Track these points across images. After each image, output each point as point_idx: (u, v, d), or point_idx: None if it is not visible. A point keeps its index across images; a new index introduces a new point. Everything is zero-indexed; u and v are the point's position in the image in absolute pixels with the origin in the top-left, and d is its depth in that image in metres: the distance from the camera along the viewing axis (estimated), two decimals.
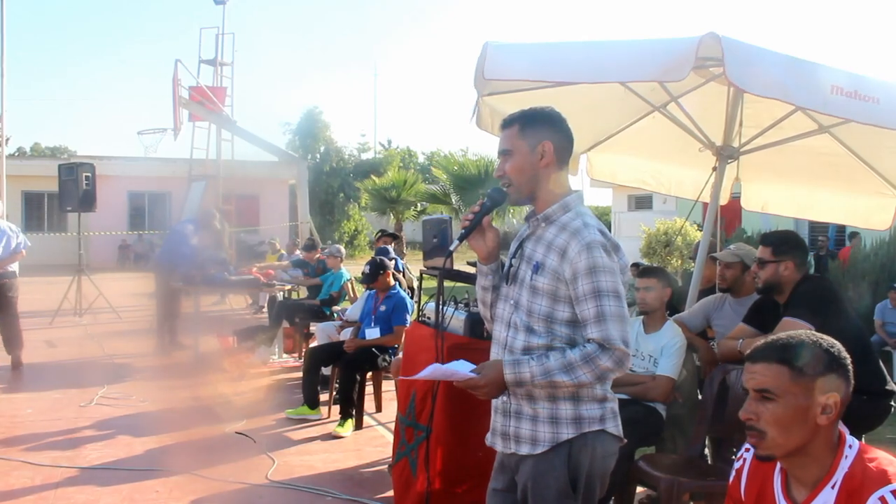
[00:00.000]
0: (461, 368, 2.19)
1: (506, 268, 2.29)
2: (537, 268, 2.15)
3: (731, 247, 4.28)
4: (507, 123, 2.24)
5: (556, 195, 2.21)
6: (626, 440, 2.26)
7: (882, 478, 1.59)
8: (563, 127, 2.24)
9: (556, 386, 2.08)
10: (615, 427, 2.20)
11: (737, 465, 1.93)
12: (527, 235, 2.26)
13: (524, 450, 2.17)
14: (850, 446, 1.70)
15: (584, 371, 2.05)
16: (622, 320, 2.07)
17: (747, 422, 1.72)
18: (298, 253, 12.18)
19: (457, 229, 2.50)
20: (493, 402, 2.27)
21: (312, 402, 5.84)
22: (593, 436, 2.14)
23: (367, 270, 5.93)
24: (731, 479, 1.94)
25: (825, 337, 1.76)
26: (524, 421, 2.18)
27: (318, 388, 5.98)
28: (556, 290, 2.12)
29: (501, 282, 2.30)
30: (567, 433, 2.12)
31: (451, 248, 2.38)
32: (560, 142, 2.21)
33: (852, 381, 1.72)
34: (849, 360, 1.73)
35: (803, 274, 3.46)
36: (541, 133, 2.19)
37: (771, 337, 1.78)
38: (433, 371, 2.17)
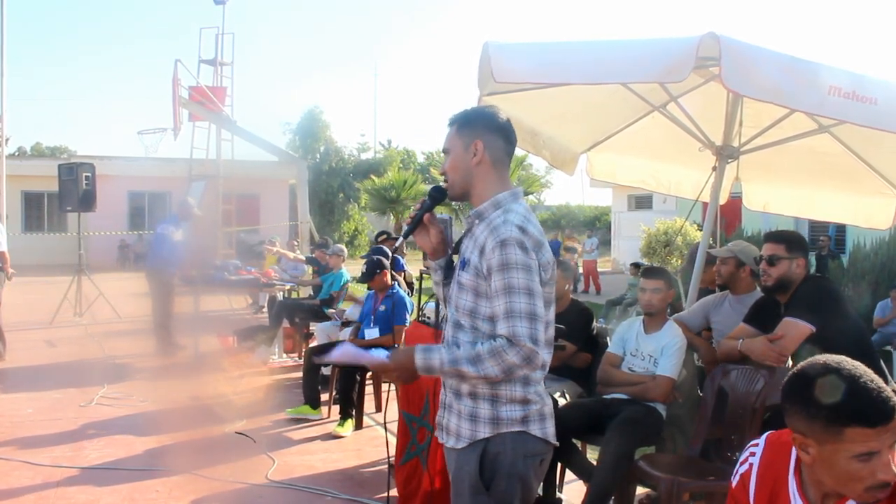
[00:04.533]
0: (378, 355, 2.27)
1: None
2: (463, 264, 2.21)
3: (729, 244, 4.29)
4: (450, 123, 2.29)
5: (488, 193, 2.23)
6: (556, 444, 2.23)
7: None
8: (497, 126, 2.25)
9: (464, 376, 2.11)
10: (540, 430, 2.17)
11: (741, 469, 1.84)
12: (465, 233, 2.31)
13: (450, 442, 2.25)
14: None
15: (491, 364, 2.06)
16: (532, 318, 2.07)
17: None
18: (297, 252, 12.19)
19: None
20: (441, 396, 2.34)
21: (314, 402, 5.83)
22: (512, 437, 2.14)
23: (364, 270, 5.93)
24: (734, 483, 1.85)
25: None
26: (452, 415, 2.25)
27: (319, 386, 5.98)
28: (478, 285, 2.16)
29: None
30: (484, 432, 2.15)
31: (397, 244, 2.44)
32: (493, 141, 2.23)
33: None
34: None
35: (806, 273, 3.47)
36: (474, 132, 2.22)
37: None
38: (343, 352, 2.23)
